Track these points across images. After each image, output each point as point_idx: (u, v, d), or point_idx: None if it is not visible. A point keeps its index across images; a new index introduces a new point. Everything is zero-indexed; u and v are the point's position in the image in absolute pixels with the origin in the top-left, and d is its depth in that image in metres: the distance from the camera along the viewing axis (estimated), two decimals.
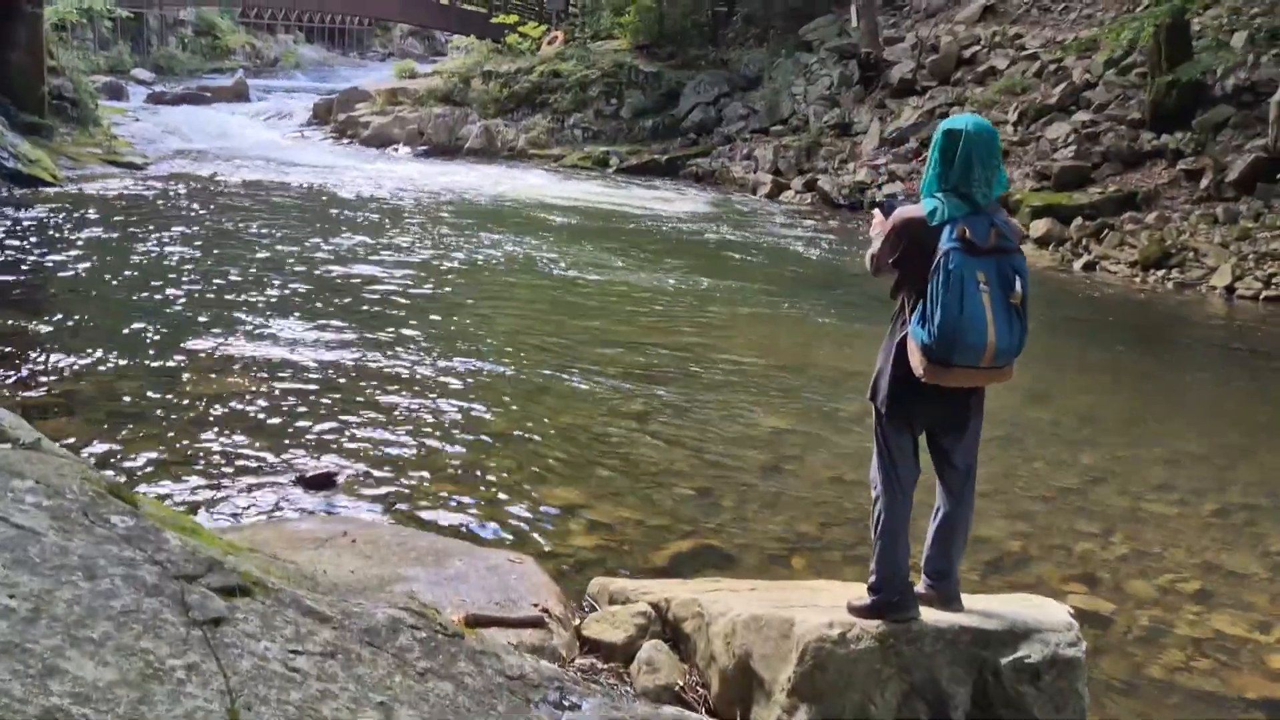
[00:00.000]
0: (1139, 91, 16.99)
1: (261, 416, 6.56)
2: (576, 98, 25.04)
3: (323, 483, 5.53)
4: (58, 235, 11.80)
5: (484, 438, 6.57)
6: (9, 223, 12.15)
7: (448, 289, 10.67)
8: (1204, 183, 14.86)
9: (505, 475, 5.98)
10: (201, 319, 8.63)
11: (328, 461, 5.86)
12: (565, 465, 6.22)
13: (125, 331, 8.14)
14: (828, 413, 7.57)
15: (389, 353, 8.07)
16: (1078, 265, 14.22)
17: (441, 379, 7.57)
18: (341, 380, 7.37)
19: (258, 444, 6.08)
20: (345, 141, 25.02)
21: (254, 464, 5.80)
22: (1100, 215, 15.02)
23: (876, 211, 3.81)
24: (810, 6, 25.89)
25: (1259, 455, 7.50)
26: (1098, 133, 16.57)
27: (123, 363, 7.37)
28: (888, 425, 3.59)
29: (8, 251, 10.74)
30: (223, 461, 5.80)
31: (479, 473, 6.00)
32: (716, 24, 27.20)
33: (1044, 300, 12.72)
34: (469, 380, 7.62)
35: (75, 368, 7.18)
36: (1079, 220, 15.02)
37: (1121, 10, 18.81)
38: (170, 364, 7.43)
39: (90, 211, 13.49)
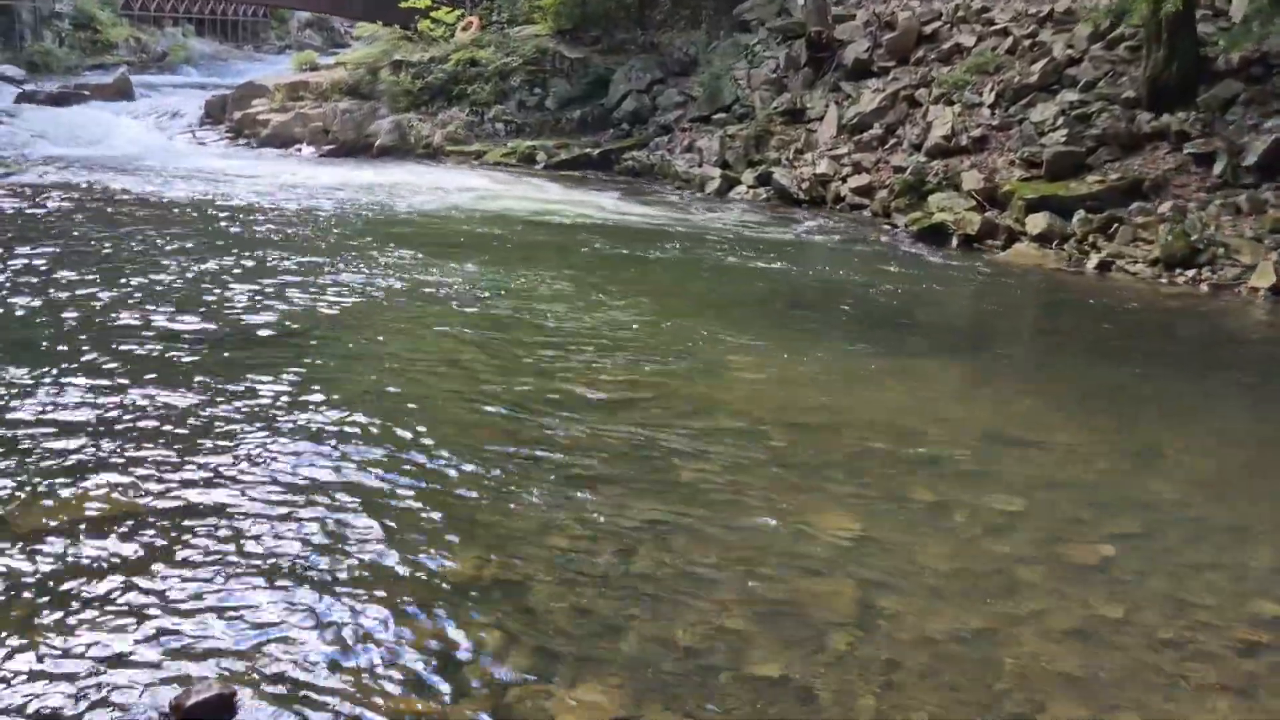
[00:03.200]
0: (1130, 67, 15.32)
1: (96, 567, 4.43)
2: (496, 88, 22.82)
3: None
4: None
5: (436, 598, 4.50)
6: None
7: (349, 327, 8.43)
8: (1217, 168, 13.21)
9: (482, 674, 3.93)
10: (17, 382, 6.41)
11: (212, 670, 3.75)
12: (557, 642, 4.17)
13: None
14: (900, 498, 5.63)
15: (277, 452, 5.93)
16: (1090, 265, 12.47)
17: (357, 479, 5.47)
18: (214, 498, 5.24)
19: (93, 632, 3.96)
20: (242, 142, 22.52)
21: (91, 682, 3.67)
22: (1105, 207, 13.28)
23: None
24: None
25: None
26: (1089, 114, 14.85)
27: None
28: None
29: None
30: (35, 682, 3.66)
31: (434, 666, 3.94)
32: (643, 5, 25.13)
33: (1068, 312, 10.96)
34: (387, 482, 5.52)
35: None
36: (1081, 213, 13.28)
37: None
38: None
39: None
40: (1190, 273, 11.82)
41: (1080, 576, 4.91)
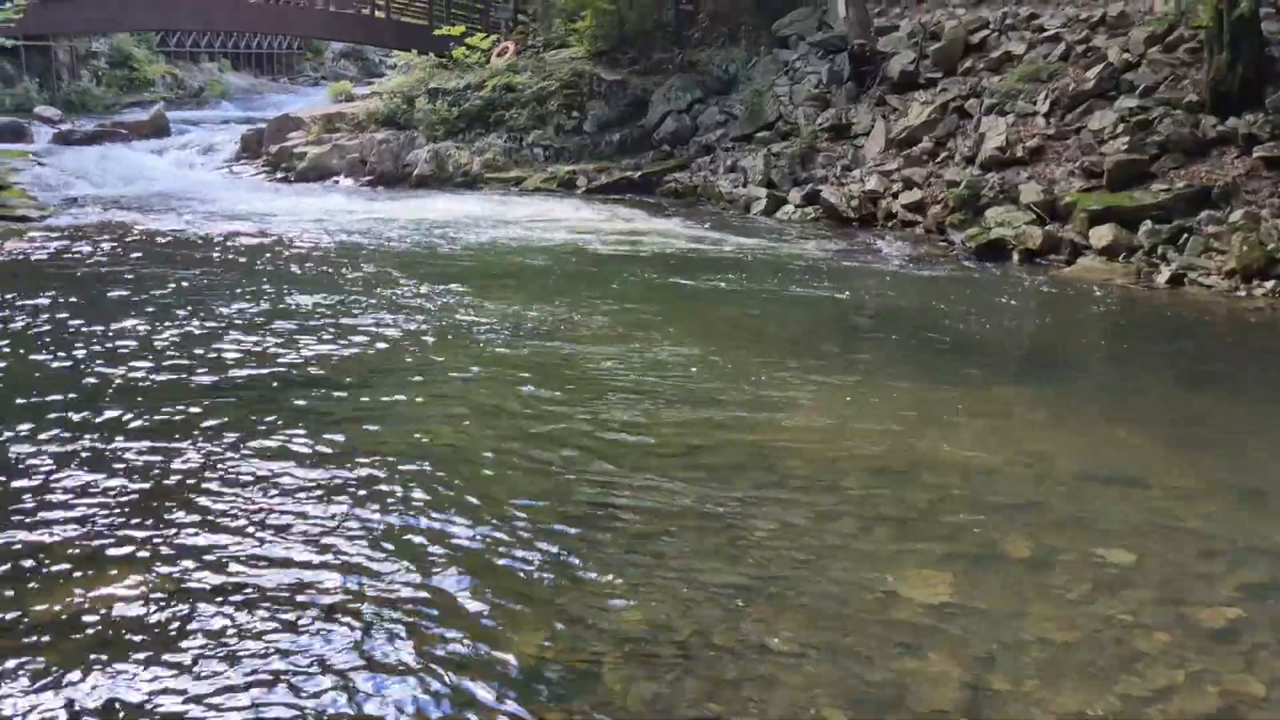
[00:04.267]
0: (1191, 70, 14.72)
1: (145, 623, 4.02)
2: (534, 113, 22.49)
3: None
4: None
5: (498, 682, 4.04)
6: None
7: (387, 373, 8.02)
8: None
9: None
10: (54, 449, 6.02)
11: None
12: None
13: None
14: (995, 553, 5.13)
15: (317, 515, 5.51)
16: (1161, 279, 11.88)
17: (404, 547, 5.04)
18: (250, 568, 4.81)
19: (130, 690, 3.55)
20: (279, 175, 22.29)
21: None
22: (1173, 217, 12.69)
23: None
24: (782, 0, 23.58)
25: None
26: (1150, 120, 14.27)
27: None
28: None
29: None
30: None
31: None
32: (681, 24, 24.76)
33: (1144, 331, 10.39)
34: (437, 550, 5.08)
35: None
36: (1148, 224, 12.69)
37: None
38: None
39: None
40: (1270, 284, 11.21)
41: (1209, 644, 4.39)
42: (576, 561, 4.97)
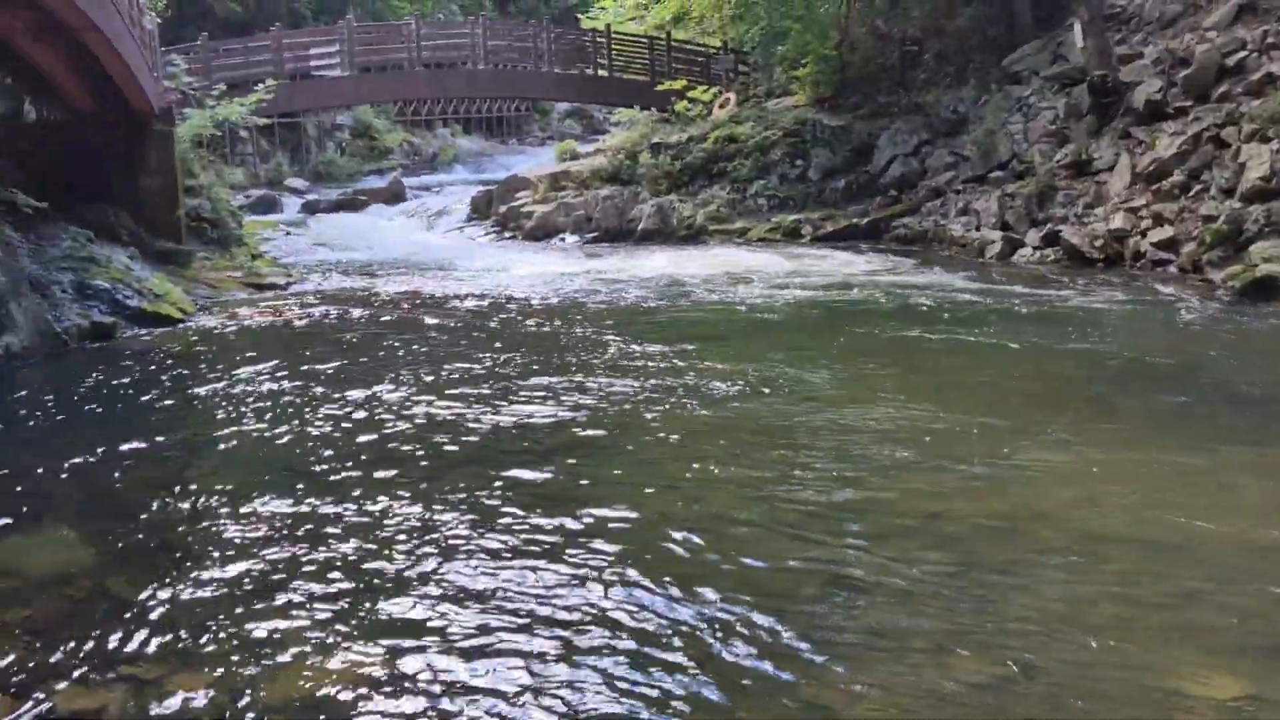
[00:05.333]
0: None
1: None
2: (757, 163, 22.27)
3: None
4: (158, 390, 9.52)
5: None
6: (102, 373, 9.97)
7: (619, 436, 7.74)
8: None
9: None
10: (314, 532, 6.01)
11: None
12: None
13: (213, 575, 5.56)
14: None
15: (553, 600, 5.25)
16: None
17: (648, 646, 4.71)
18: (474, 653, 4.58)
19: None
20: (508, 236, 22.80)
21: None
22: None
23: None
24: (1012, 35, 22.65)
25: None
26: None
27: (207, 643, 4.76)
28: None
29: (83, 417, 8.47)
30: None
31: None
32: (905, 66, 24.14)
33: None
34: (687, 655, 4.73)
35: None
36: None
37: None
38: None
39: (205, 353, 11.23)
40: None
41: None
42: (808, 646, 4.53)
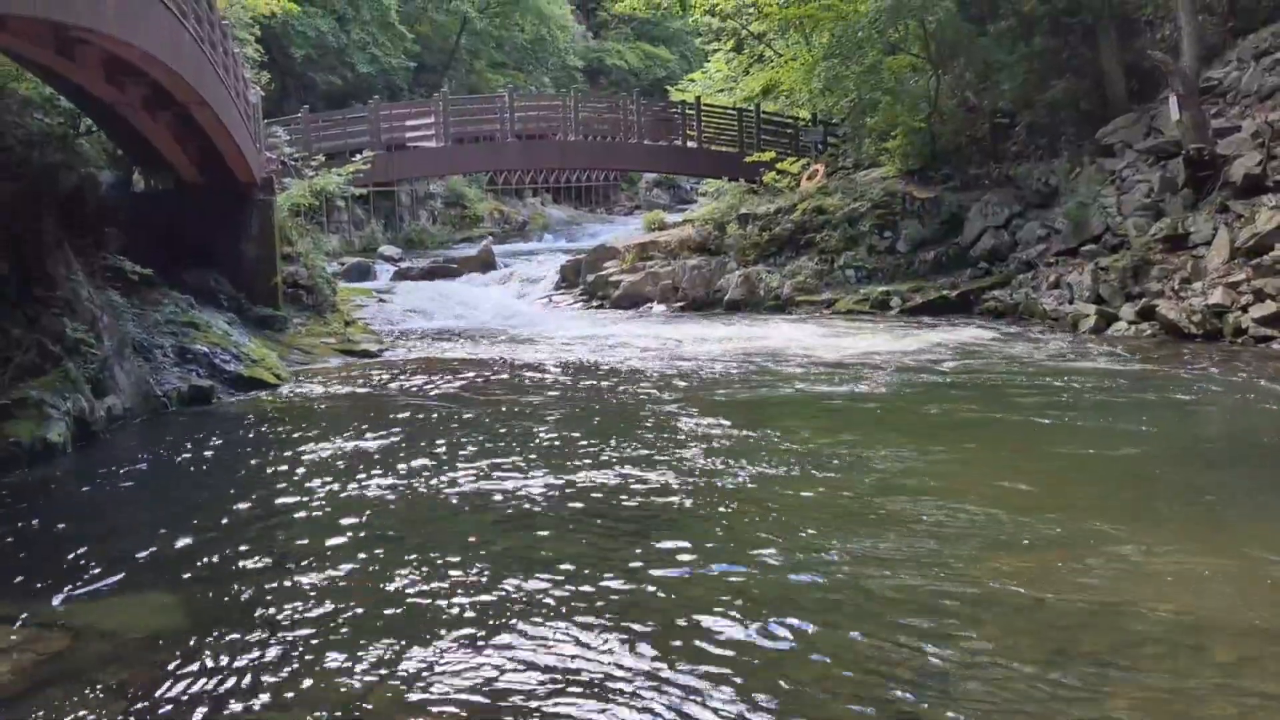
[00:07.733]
0: None
1: None
2: (845, 234, 22.20)
3: None
4: (251, 455, 9.73)
5: None
6: (198, 438, 10.20)
7: (700, 514, 7.72)
8: None
9: None
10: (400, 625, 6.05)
11: None
12: None
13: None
14: None
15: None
16: None
17: None
18: None
19: None
20: (595, 304, 22.96)
21: None
22: None
23: None
24: (1104, 107, 22.41)
25: None
26: None
27: None
28: None
29: (179, 481, 8.66)
30: None
31: None
32: (996, 138, 23.99)
33: None
34: None
35: None
36: None
37: None
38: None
39: (297, 419, 11.45)
40: None
41: None
42: None
